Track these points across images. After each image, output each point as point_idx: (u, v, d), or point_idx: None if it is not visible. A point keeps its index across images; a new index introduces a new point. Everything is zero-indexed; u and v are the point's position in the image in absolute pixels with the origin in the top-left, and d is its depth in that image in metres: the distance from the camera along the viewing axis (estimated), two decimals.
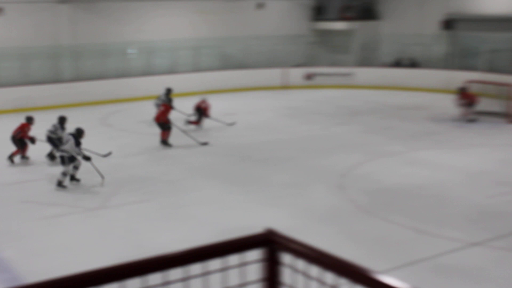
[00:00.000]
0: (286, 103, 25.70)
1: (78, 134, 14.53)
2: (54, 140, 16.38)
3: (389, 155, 16.96)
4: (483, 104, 21.26)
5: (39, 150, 16.69)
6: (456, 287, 9.15)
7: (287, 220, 11.74)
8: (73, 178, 14.67)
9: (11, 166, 16.26)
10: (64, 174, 14.31)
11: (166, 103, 19.05)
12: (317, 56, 32.56)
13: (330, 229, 11.47)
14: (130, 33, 27.90)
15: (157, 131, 18.41)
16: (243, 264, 2.25)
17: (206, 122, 20.66)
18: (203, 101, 20.60)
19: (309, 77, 30.34)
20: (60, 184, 14.31)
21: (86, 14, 26.83)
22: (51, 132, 16.48)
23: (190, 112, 20.80)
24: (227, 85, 28.45)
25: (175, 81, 27.62)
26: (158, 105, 21.54)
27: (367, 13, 32.32)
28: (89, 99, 25.57)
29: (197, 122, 20.55)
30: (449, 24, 29.27)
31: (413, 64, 30.41)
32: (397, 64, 30.89)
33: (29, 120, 16.85)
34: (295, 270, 2.20)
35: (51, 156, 16.65)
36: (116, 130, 20.22)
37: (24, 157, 16.70)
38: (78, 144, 14.35)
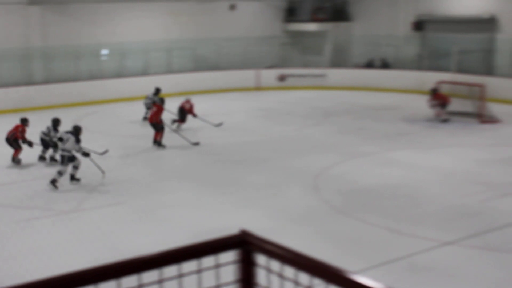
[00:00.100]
0: (259, 105, 25.73)
1: (76, 131, 14.64)
2: (48, 142, 16.37)
3: (363, 155, 17.06)
4: (455, 105, 21.48)
5: (28, 152, 16.65)
6: (430, 286, 9.24)
7: (262, 221, 11.76)
8: (73, 178, 14.72)
9: None
10: (60, 173, 14.35)
11: (158, 104, 18.88)
12: (289, 58, 32.64)
13: (305, 230, 11.50)
14: (102, 35, 27.75)
15: (131, 132, 18.33)
16: (218, 266, 2.25)
17: (192, 122, 20.50)
18: (187, 101, 20.52)
19: (282, 78, 30.41)
20: (53, 182, 14.31)
21: (57, 16, 26.62)
22: (44, 134, 16.49)
23: (175, 112, 20.70)
24: (200, 87, 28.39)
25: (148, 83, 27.53)
26: (147, 104, 21.58)
27: (339, 15, 32.48)
28: (61, 101, 25.36)
29: (181, 121, 20.45)
30: (419, 25, 29.54)
31: (385, 65, 30.64)
32: (369, 65, 31.09)
33: (24, 122, 16.74)
34: (270, 271, 2.21)
35: (42, 158, 16.64)
36: (90, 132, 20.07)
37: (14, 159, 16.57)
38: (78, 141, 14.50)
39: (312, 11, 32.36)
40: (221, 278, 2.26)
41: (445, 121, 21.42)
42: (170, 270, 2.15)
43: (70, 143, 14.41)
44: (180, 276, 2.20)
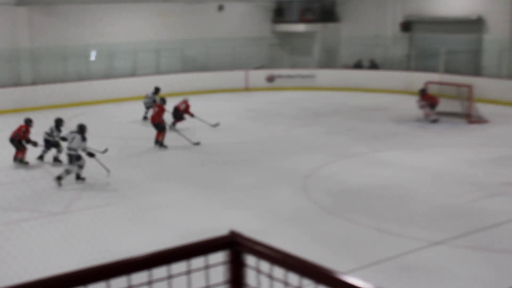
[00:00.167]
0: (248, 105, 25.73)
1: (82, 130, 14.73)
2: (51, 142, 16.37)
3: (352, 156, 17.09)
4: (443, 105, 21.57)
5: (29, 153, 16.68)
6: (420, 286, 9.27)
7: (252, 222, 11.75)
8: (78, 177, 14.78)
9: None
10: (67, 171, 14.51)
11: (160, 104, 18.90)
12: (278, 58, 32.66)
13: (295, 230, 11.51)
14: (90, 36, 27.66)
15: (119, 134, 18.28)
16: (207, 267, 2.24)
17: (186, 123, 20.47)
18: (184, 102, 20.52)
19: (270, 79, 30.43)
20: (59, 179, 14.45)
21: (45, 17, 26.53)
22: (48, 134, 16.48)
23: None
24: (189, 88, 28.33)
25: (136, 84, 27.53)
26: (146, 104, 21.66)
27: (327, 15, 32.53)
28: (50, 103, 25.25)
29: (177, 120, 20.45)
30: (407, 26, 29.64)
31: (373, 65, 30.71)
32: (358, 65, 31.16)
33: (28, 122, 16.72)
34: (259, 271, 2.20)
35: (40, 158, 16.64)
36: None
37: (22, 161, 16.51)
38: (84, 139, 14.61)
39: (300, 12, 32.41)
40: (210, 279, 2.26)
41: (434, 121, 21.51)
42: (160, 271, 2.14)
43: (76, 141, 14.50)
44: (170, 277, 2.20)
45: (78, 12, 27.25)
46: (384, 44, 30.40)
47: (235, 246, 2.24)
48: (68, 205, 13.20)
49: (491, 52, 26.69)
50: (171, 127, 19.80)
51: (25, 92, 25.36)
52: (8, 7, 25.57)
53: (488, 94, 24.52)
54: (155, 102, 21.21)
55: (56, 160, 16.59)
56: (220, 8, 31.14)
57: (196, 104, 25.03)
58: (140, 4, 28.68)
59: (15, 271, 9.67)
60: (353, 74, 30.33)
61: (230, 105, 25.73)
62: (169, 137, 18.50)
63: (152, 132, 18.51)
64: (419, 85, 23.04)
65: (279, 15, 32.85)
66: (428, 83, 22.87)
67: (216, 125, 20.64)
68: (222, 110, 24.41)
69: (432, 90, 22.37)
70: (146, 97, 22.12)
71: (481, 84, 24.06)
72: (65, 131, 16.34)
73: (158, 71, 29.15)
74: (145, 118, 22.05)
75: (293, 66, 31.70)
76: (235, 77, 30.04)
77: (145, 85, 27.66)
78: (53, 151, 16.66)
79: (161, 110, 18.46)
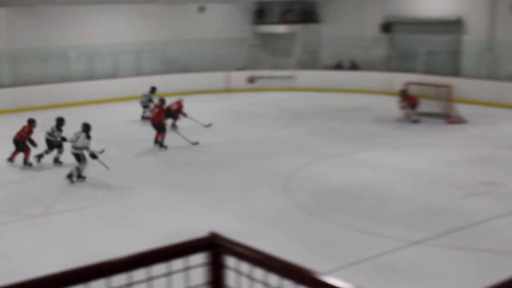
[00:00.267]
0: (229, 107, 25.71)
1: (87, 128, 14.87)
2: (53, 142, 16.28)
3: (333, 156, 17.14)
4: (422, 105, 21.69)
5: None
6: (399, 285, 9.32)
7: (233, 223, 11.75)
8: (79, 176, 14.87)
9: None
10: (78, 169, 14.69)
11: (159, 104, 18.97)
12: (259, 59, 32.66)
13: (276, 231, 11.52)
14: (71, 37, 27.50)
15: (100, 135, 18.12)
16: (187, 268, 2.25)
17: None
18: (176, 102, 20.55)
19: (251, 80, 30.42)
20: (70, 176, 14.65)
21: (25, 18, 26.34)
22: (49, 134, 16.37)
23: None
24: (170, 89, 28.22)
25: (117, 85, 27.45)
26: (143, 103, 21.75)
27: (308, 17, 32.59)
28: (29, 104, 25.06)
29: (175, 119, 20.49)
30: (387, 27, 29.78)
31: (354, 66, 30.81)
32: (338, 66, 31.24)
33: (30, 123, 16.59)
34: (239, 273, 2.21)
35: (39, 157, 16.49)
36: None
37: (26, 162, 16.39)
38: (88, 137, 14.75)
39: (281, 13, 32.44)
40: (190, 281, 2.26)
41: (415, 121, 21.62)
42: (140, 273, 2.14)
43: (80, 140, 14.64)
44: (150, 279, 2.20)
45: (59, 14, 27.08)
46: (364, 45, 30.50)
47: (215, 248, 2.24)
48: (48, 208, 13.11)
49: (470, 53, 26.89)
50: (171, 127, 19.91)
51: (4, 94, 25.13)
52: None
53: (467, 94, 24.69)
54: (151, 101, 21.35)
55: (57, 161, 16.50)
56: (201, 9, 31.08)
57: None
58: (121, 6, 28.55)
59: None
60: (333, 75, 30.40)
61: (211, 106, 25.69)
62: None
63: (130, 133, 18.48)
64: (399, 86, 23.17)
65: (260, 16, 32.86)
66: (408, 83, 22.99)
67: (209, 125, 20.69)
68: (203, 111, 24.33)
69: (412, 90, 22.49)
70: (143, 96, 22.20)
71: (460, 85, 24.22)
72: (66, 131, 16.22)
73: (139, 73, 29.02)
74: (143, 117, 22.12)
75: (274, 67, 31.71)
76: (216, 78, 30.00)
77: (126, 86, 27.62)
78: (53, 152, 16.56)
79: (161, 111, 18.60)
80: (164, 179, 15.31)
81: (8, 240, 11.35)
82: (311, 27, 32.39)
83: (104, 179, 15.10)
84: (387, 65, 29.59)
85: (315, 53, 32.33)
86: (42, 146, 16.47)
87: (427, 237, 11.08)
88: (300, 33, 32.21)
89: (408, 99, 21.81)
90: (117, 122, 22.25)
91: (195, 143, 18.53)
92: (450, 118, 21.56)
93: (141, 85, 27.57)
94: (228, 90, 29.94)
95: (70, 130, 15.84)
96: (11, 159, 16.44)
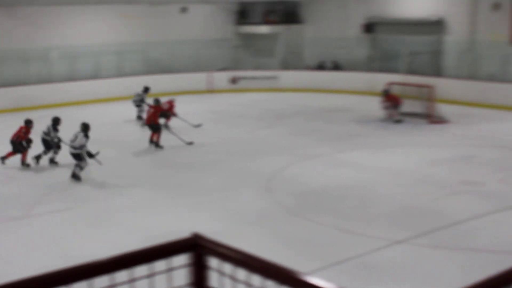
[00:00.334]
0: (211, 107, 25.68)
1: (85, 128, 14.98)
2: (49, 142, 16.20)
3: (316, 157, 17.17)
4: (405, 105, 21.81)
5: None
6: (382, 285, 9.36)
7: (215, 224, 11.74)
8: (73, 175, 14.95)
9: None
10: (81, 167, 14.83)
11: (155, 105, 19.00)
12: (241, 60, 32.65)
13: (259, 232, 11.52)
14: (52, 38, 27.33)
15: None
16: (170, 269, 2.24)
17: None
18: (168, 102, 20.58)
19: (234, 81, 30.41)
20: (74, 176, 14.83)
21: (6, 19, 26.14)
22: (45, 134, 16.28)
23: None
24: (152, 90, 28.06)
25: (99, 86, 27.32)
26: (136, 102, 21.83)
27: (290, 17, 32.63)
28: (10, 106, 24.88)
29: (167, 119, 20.56)
30: (370, 27, 29.88)
31: (336, 67, 30.89)
32: (321, 67, 31.30)
33: (28, 123, 16.51)
34: (222, 273, 2.21)
35: (37, 159, 16.39)
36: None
37: (24, 163, 16.24)
38: (86, 137, 14.89)
39: (264, 14, 32.45)
40: (173, 282, 2.25)
41: (398, 121, 21.73)
42: (122, 275, 2.13)
43: (78, 139, 14.75)
44: (132, 280, 2.19)
45: (40, 14, 26.90)
46: (347, 46, 30.58)
47: (198, 249, 2.24)
48: (28, 210, 13.02)
49: (452, 53, 27.07)
50: (164, 127, 19.91)
51: None
52: None
53: (448, 94, 24.84)
54: (143, 101, 21.36)
55: (52, 162, 16.42)
56: (183, 10, 31.02)
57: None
58: (102, 6, 28.42)
59: None
60: (316, 75, 30.47)
61: (193, 107, 25.62)
62: (136, 139, 18.37)
63: (113, 133, 18.38)
64: (381, 86, 23.25)
65: (242, 16, 32.86)
66: (391, 84, 23.09)
67: (198, 125, 20.73)
68: (186, 112, 24.24)
69: (394, 90, 22.58)
70: (136, 95, 22.22)
71: (442, 85, 24.36)
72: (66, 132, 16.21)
73: (121, 73, 28.90)
74: (138, 117, 22.13)
75: (257, 67, 31.71)
76: (199, 79, 29.94)
77: (108, 87, 27.50)
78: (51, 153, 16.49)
79: (156, 111, 18.63)
80: (147, 179, 15.26)
81: None
82: (294, 27, 32.43)
83: (87, 181, 15.03)
84: (369, 66, 29.69)
85: (298, 53, 32.36)
86: (38, 147, 16.43)
87: (410, 236, 11.13)
88: (282, 33, 32.24)
89: (391, 99, 21.91)
90: (100, 123, 22.08)
91: (190, 143, 18.53)
92: (432, 118, 21.68)
93: (123, 86, 27.53)
94: (210, 91, 29.91)
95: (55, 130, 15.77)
96: (3, 158, 16.25)
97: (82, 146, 14.76)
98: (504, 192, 13.77)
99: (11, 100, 25.18)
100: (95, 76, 28.31)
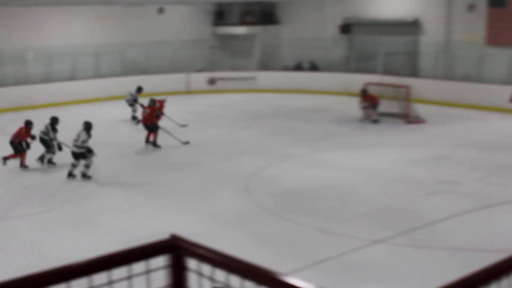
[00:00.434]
0: (189, 108, 25.62)
1: (88, 127, 15.14)
2: (47, 141, 16.11)
3: (294, 157, 17.21)
4: (382, 106, 21.94)
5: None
6: (361, 284, 9.39)
7: (195, 225, 11.72)
8: (70, 174, 15.11)
9: None
10: (87, 166, 14.97)
11: (151, 105, 19.12)
12: (219, 61, 32.63)
13: (238, 232, 11.53)
14: (28, 39, 27.12)
15: (60, 139, 17.89)
16: (148, 272, 2.23)
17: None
18: (159, 101, 20.54)
19: (212, 81, 30.38)
20: (84, 175, 14.97)
21: None
22: (43, 133, 16.21)
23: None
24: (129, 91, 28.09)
25: (76, 88, 27.15)
26: (128, 101, 21.89)
27: (267, 18, 32.68)
28: None
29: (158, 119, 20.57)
30: (346, 28, 30.03)
31: (313, 67, 30.97)
32: (298, 67, 31.39)
33: (28, 124, 16.38)
34: (201, 275, 2.20)
35: (41, 159, 16.30)
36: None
37: (23, 165, 16.10)
38: (89, 135, 15.05)
39: (240, 15, 32.46)
40: (152, 284, 2.24)
41: (375, 121, 21.84)
42: (100, 277, 2.12)
43: (81, 138, 14.92)
44: (110, 283, 2.18)
45: (16, 15, 26.66)
46: (324, 46, 30.69)
47: (176, 250, 2.23)
48: (5, 212, 12.90)
49: (427, 54, 27.29)
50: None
51: None
52: None
53: (425, 94, 25.04)
54: (136, 101, 21.37)
55: (50, 162, 16.33)
56: (160, 11, 30.93)
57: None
58: (78, 7, 28.22)
59: None
60: (293, 76, 30.54)
61: (171, 108, 25.51)
62: (114, 142, 18.26)
63: (95, 136, 18.20)
64: (358, 87, 23.36)
65: (219, 17, 32.84)
66: (368, 84, 23.21)
67: (185, 125, 20.91)
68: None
69: (372, 91, 22.71)
70: (128, 95, 22.26)
71: (418, 85, 24.56)
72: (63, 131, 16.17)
73: (98, 75, 28.75)
74: (133, 117, 22.27)
75: (234, 68, 31.71)
76: (176, 80, 29.87)
77: (85, 88, 27.33)
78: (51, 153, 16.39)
79: (153, 111, 18.73)
80: (125, 181, 15.19)
81: None
82: (271, 28, 32.48)
83: (64, 183, 14.93)
84: (346, 66, 29.82)
85: (275, 54, 32.42)
86: (38, 147, 16.35)
87: (388, 236, 11.19)
88: (259, 34, 32.28)
89: (369, 99, 22.03)
90: (79, 125, 21.98)
91: (186, 143, 18.67)
92: (409, 118, 21.83)
93: (101, 87, 27.39)
94: (188, 92, 29.85)
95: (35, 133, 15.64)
96: (5, 159, 16.07)
97: (83, 142, 14.92)
98: (481, 191, 13.89)
99: None
100: (72, 77, 28.12)
